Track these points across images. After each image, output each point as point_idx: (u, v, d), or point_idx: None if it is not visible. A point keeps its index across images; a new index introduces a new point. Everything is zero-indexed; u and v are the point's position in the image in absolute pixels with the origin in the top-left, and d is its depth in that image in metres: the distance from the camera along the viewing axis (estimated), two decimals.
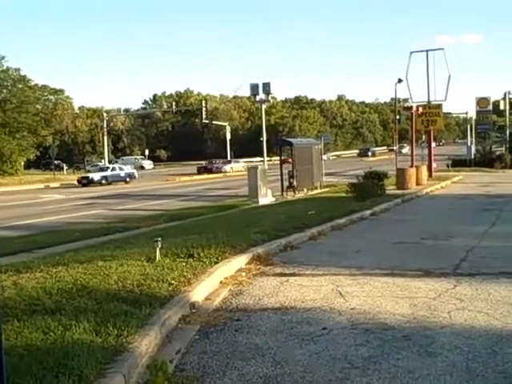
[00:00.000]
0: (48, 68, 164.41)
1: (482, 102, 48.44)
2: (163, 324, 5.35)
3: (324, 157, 37.25)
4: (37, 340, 4.65)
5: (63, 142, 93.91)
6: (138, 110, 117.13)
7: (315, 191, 26.80)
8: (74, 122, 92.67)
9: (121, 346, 4.56)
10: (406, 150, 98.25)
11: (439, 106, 32.33)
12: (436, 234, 11.63)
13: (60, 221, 19.87)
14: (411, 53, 32.45)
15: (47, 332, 4.82)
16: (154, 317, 5.39)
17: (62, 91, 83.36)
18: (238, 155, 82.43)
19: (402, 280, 7.48)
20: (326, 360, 4.71)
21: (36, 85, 71.06)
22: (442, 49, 32.42)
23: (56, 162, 79.25)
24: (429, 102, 31.92)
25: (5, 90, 65.75)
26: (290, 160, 27.24)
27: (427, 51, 32.15)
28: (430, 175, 29.83)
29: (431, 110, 31.92)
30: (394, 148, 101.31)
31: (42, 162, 75.73)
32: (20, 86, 66.54)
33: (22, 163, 64.43)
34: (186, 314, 6.00)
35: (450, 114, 70.60)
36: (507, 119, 46.71)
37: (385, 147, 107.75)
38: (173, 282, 6.75)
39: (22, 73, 67.20)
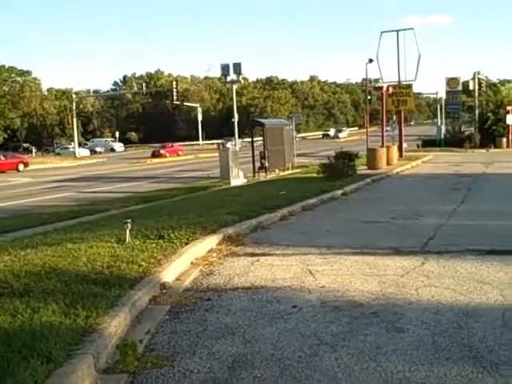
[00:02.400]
0: (15, 49, 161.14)
1: (451, 81, 48.82)
2: (133, 305, 5.33)
3: None
4: (4, 323, 4.60)
5: (32, 124, 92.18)
6: (107, 91, 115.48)
7: (287, 172, 26.89)
8: (42, 104, 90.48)
9: (90, 327, 4.53)
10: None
11: (409, 86, 32.46)
12: (405, 214, 11.74)
13: (29, 204, 19.64)
14: (381, 33, 32.52)
15: (15, 315, 4.77)
16: (124, 298, 5.36)
17: (29, 72, 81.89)
18: (210, 136, 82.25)
19: (372, 258, 7.55)
20: (295, 337, 4.75)
21: (2, 66, 69.69)
22: (412, 29, 32.57)
23: (25, 145, 78.16)
24: (399, 82, 32.09)
25: None
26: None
27: (397, 31, 32.23)
28: (400, 155, 30.10)
29: (401, 89, 32.05)
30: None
31: (10, 145, 74.58)
32: None
33: None
34: (157, 295, 5.98)
35: (420, 94, 71.00)
36: (476, 99, 47.11)
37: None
38: (143, 263, 6.71)
39: None
